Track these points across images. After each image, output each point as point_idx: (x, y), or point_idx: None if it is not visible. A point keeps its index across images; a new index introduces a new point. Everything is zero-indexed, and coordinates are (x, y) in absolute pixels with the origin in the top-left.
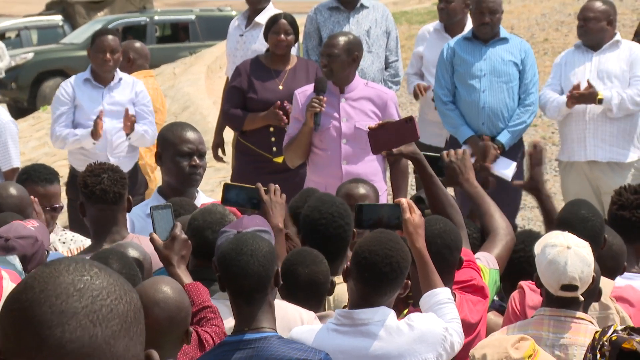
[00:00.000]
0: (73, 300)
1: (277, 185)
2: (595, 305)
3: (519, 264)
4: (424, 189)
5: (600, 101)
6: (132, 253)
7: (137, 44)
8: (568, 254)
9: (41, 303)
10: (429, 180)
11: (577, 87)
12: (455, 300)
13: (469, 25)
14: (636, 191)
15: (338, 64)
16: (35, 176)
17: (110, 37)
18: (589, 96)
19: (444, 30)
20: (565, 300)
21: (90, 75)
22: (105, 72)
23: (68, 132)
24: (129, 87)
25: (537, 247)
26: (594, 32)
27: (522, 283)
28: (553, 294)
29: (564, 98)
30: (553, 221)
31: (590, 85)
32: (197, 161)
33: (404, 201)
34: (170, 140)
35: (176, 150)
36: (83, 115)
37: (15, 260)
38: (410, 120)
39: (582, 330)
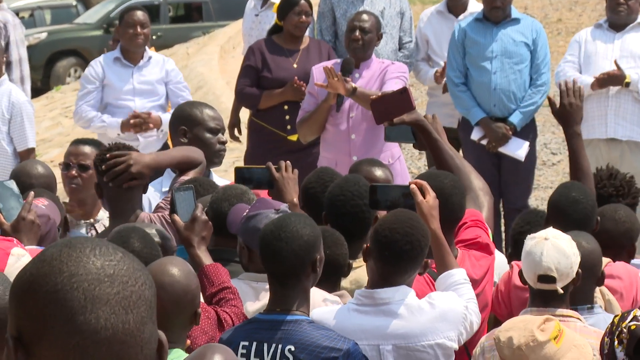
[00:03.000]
0: (105, 286)
1: (288, 162)
2: None
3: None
4: (431, 153)
5: (627, 84)
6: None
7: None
8: (544, 244)
9: (73, 288)
10: (435, 145)
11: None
12: (457, 256)
13: (471, 3)
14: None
15: (369, 39)
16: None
17: (139, 12)
18: (617, 78)
19: (447, 11)
20: (547, 296)
21: (120, 54)
22: (135, 47)
23: (95, 114)
24: (158, 65)
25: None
26: (634, 12)
27: (514, 262)
28: (533, 287)
29: (586, 79)
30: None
31: (618, 67)
32: (224, 138)
33: (414, 186)
34: (198, 117)
35: (206, 127)
36: (112, 94)
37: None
38: (404, 91)
39: (570, 328)
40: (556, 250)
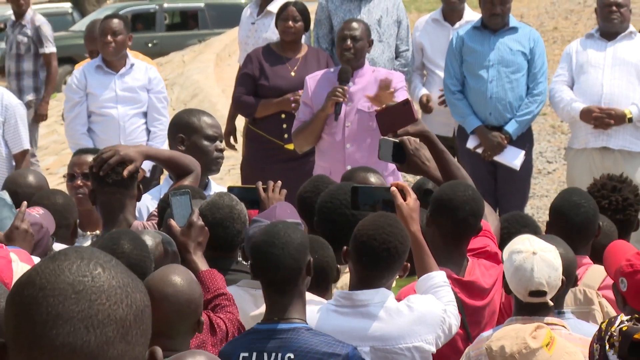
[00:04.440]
0: (70, 303)
1: (278, 182)
2: (580, 297)
3: None
4: (437, 164)
5: (630, 120)
6: (148, 241)
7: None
8: (534, 259)
9: (39, 302)
10: (441, 157)
11: (600, 110)
12: (467, 264)
13: (467, 12)
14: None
15: (360, 47)
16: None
17: (114, 20)
18: (618, 118)
19: (443, 19)
20: (535, 307)
21: (101, 62)
22: (108, 56)
23: (85, 138)
24: (141, 72)
25: (505, 254)
26: (626, 20)
27: None
28: (522, 300)
29: (577, 105)
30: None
31: (610, 113)
32: (222, 145)
33: (394, 188)
34: (195, 125)
35: (203, 135)
36: (95, 102)
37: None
38: (406, 103)
39: None
40: (546, 264)
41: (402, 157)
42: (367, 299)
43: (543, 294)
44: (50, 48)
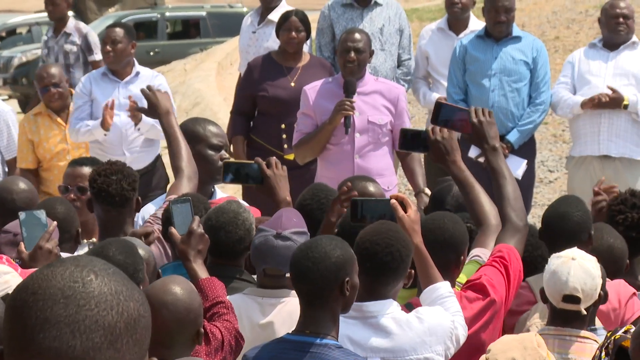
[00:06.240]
0: (58, 307)
1: (276, 159)
2: None
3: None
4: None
5: (625, 107)
6: (140, 251)
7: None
8: (572, 264)
9: (30, 306)
10: (492, 175)
11: (602, 93)
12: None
13: (472, 21)
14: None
15: (363, 59)
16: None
17: (115, 29)
18: (615, 101)
19: (448, 29)
20: (569, 317)
21: (107, 70)
22: (109, 64)
23: (81, 124)
24: (147, 80)
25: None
26: (632, 31)
27: (528, 279)
28: (556, 306)
29: (578, 98)
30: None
31: (614, 90)
32: (226, 154)
33: (394, 201)
34: (200, 134)
35: (208, 144)
36: (99, 108)
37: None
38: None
39: (587, 350)
40: (583, 270)
41: (426, 146)
42: (376, 310)
43: (577, 300)
44: (99, 55)
